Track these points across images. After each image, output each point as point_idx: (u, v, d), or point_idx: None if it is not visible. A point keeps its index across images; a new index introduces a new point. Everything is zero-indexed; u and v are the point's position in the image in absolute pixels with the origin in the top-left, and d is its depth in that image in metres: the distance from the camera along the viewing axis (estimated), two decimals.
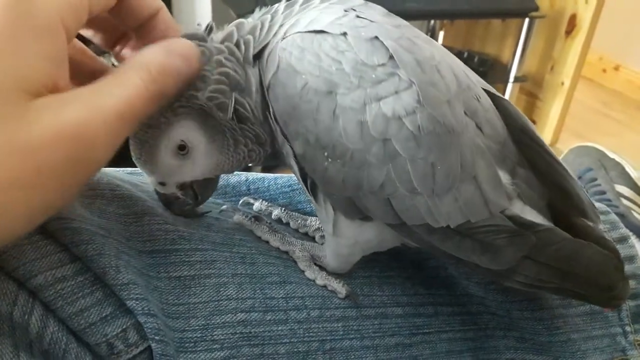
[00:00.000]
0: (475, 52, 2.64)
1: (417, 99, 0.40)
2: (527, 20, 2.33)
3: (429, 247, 0.46)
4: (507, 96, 2.49)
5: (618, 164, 0.77)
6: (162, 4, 0.42)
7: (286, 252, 0.53)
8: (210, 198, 0.51)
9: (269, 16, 0.46)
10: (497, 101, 0.47)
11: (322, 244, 0.54)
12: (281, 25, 0.45)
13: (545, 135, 2.65)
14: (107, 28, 0.44)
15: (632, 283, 0.57)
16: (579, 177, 0.78)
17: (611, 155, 0.79)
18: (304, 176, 0.47)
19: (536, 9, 2.32)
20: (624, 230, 0.60)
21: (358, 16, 0.43)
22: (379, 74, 0.40)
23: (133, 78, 0.35)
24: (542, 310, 0.56)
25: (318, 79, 0.41)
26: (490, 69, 2.57)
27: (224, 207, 0.56)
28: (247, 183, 0.61)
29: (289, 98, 0.42)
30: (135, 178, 0.54)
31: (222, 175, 0.53)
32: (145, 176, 0.47)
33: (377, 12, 0.45)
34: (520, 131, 0.47)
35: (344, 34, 0.41)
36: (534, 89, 2.67)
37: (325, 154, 0.42)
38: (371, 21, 0.42)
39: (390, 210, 0.43)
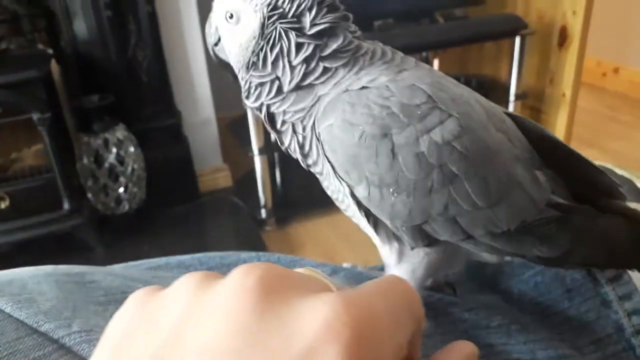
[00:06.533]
0: (471, 75, 2.66)
1: (460, 124, 0.45)
2: (518, 38, 2.36)
3: (496, 252, 0.50)
4: None
5: (628, 180, 0.75)
6: None
7: None
8: None
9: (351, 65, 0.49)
10: (514, 119, 0.53)
11: None
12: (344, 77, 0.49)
13: None
14: None
15: (635, 319, 0.57)
16: None
17: (619, 171, 0.77)
18: (366, 215, 0.51)
19: (525, 26, 2.35)
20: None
21: (400, 71, 0.48)
22: (423, 109, 0.45)
23: None
24: (567, 350, 0.54)
25: (373, 126, 0.45)
26: (489, 91, 2.58)
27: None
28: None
29: (349, 148, 0.46)
30: (147, 273, 0.55)
31: None
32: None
33: (420, 70, 0.50)
34: (539, 138, 0.52)
35: (386, 86, 0.46)
36: (536, 103, 2.67)
37: (391, 190, 0.46)
38: (409, 73, 0.48)
39: (457, 228, 0.47)
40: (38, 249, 2.02)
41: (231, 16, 0.50)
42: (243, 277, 0.24)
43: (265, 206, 2.24)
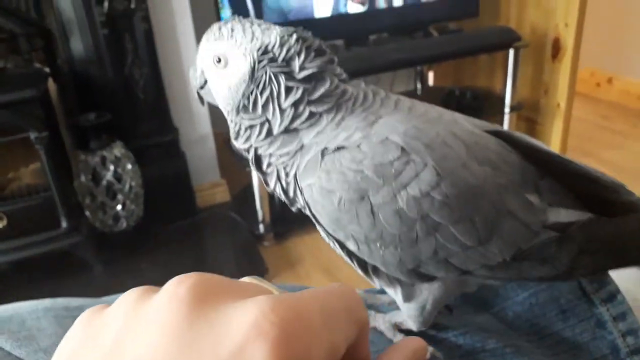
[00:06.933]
0: (466, 88, 2.67)
1: (437, 173, 0.45)
2: (512, 50, 2.38)
3: (495, 279, 0.51)
4: (505, 126, 2.51)
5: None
6: None
7: (373, 327, 0.57)
8: None
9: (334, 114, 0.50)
10: (501, 135, 0.52)
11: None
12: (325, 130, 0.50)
13: None
14: None
15: (629, 339, 0.56)
16: None
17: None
18: (361, 263, 0.52)
19: (519, 38, 2.37)
20: (612, 287, 0.58)
21: (375, 120, 0.49)
22: (397, 166, 0.46)
23: None
24: None
25: (349, 191, 0.47)
26: (484, 103, 2.59)
27: None
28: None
29: (330, 213, 0.48)
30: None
31: None
32: None
33: (398, 114, 0.50)
34: (530, 150, 0.52)
35: (359, 146, 0.47)
36: (531, 114, 2.69)
37: (378, 244, 0.48)
38: (384, 122, 0.49)
39: (450, 267, 0.48)
40: (36, 268, 2.01)
41: (219, 60, 0.51)
42: (175, 287, 0.25)
43: (263, 221, 2.24)
